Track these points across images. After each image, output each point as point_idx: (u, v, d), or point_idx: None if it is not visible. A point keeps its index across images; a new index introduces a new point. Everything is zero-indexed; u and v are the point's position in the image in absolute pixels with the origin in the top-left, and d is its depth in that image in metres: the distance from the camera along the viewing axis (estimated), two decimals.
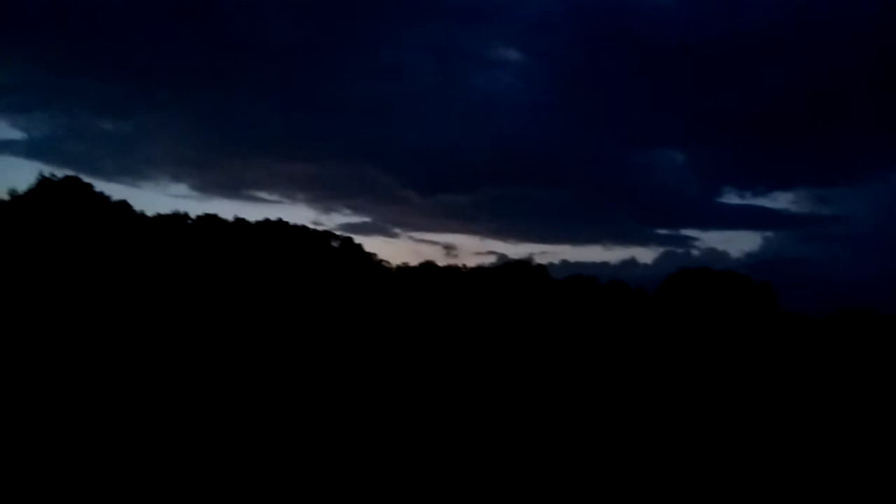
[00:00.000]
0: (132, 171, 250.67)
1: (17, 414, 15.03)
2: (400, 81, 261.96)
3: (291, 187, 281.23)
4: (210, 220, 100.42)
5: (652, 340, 63.49)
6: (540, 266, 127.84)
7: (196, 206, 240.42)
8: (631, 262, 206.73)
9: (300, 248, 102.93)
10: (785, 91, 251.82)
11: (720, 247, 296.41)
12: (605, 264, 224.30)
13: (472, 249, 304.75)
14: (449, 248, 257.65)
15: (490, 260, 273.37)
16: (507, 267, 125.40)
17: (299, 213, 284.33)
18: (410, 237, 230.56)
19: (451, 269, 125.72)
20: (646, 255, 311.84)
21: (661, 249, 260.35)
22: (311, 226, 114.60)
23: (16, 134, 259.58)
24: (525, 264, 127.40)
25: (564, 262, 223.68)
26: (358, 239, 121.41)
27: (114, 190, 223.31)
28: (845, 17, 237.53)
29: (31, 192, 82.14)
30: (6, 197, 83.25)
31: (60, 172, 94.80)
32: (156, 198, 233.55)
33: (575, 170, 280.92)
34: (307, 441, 15.01)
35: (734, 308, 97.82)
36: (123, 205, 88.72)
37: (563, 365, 36.20)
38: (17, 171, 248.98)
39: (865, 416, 24.10)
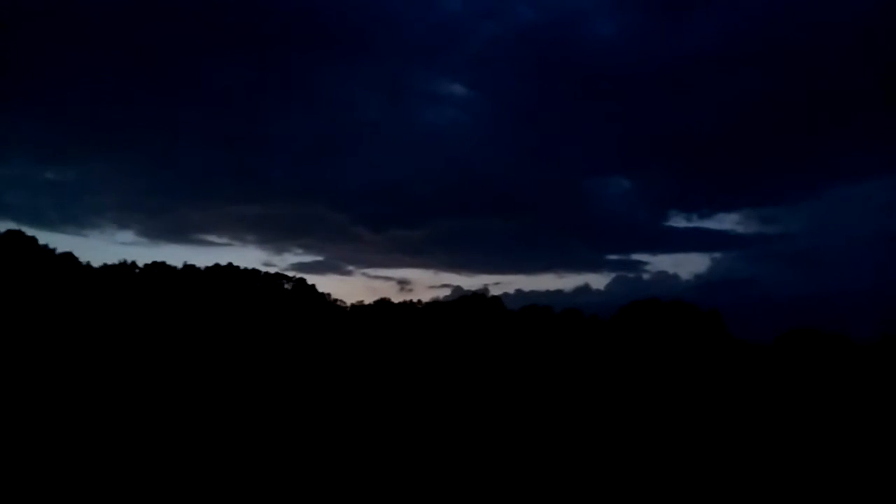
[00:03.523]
0: (77, 220, 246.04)
1: None
2: (346, 119, 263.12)
3: (241, 229, 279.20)
4: (158, 267, 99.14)
5: (607, 368, 64.09)
6: (494, 297, 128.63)
7: (144, 252, 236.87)
8: (584, 289, 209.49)
9: (252, 293, 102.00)
10: (723, 115, 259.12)
11: (670, 270, 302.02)
12: (558, 292, 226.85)
13: (427, 283, 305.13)
14: (403, 284, 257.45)
15: (445, 293, 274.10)
16: (462, 300, 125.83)
17: (250, 255, 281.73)
18: (364, 274, 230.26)
19: (406, 305, 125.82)
20: (599, 280, 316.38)
21: (612, 275, 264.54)
22: (263, 268, 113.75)
23: None
24: (480, 297, 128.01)
25: (519, 292, 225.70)
26: (311, 279, 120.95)
27: (58, 240, 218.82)
28: (778, 43, 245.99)
29: None
30: None
31: (2, 226, 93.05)
32: (102, 246, 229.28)
33: (525, 199, 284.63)
34: (265, 490, 14.87)
35: (685, 337, 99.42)
36: (69, 257, 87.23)
37: (518, 396, 36.37)
38: None
39: (816, 442, 24.75)
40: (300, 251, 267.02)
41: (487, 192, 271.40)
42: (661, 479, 18.43)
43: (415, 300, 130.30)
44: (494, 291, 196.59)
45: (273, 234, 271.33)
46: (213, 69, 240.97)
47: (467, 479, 17.57)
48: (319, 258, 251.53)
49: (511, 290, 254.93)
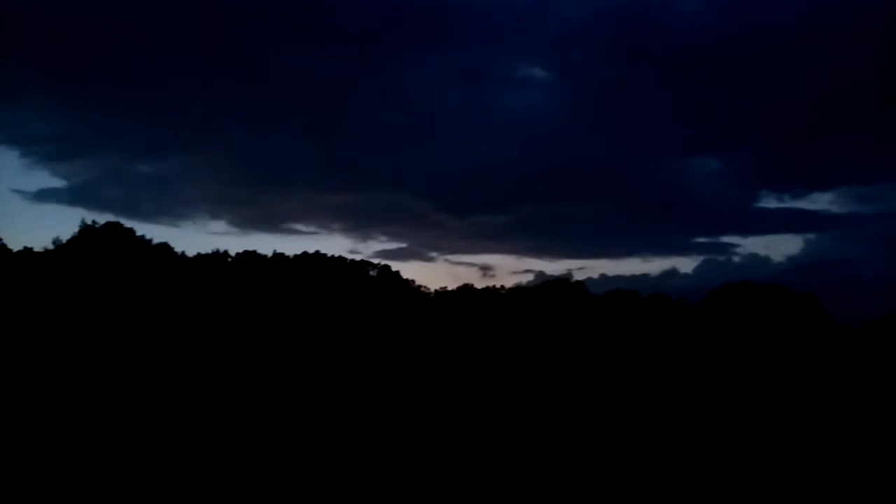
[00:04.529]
0: (171, 212, 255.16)
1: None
2: (428, 106, 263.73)
3: (327, 218, 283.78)
4: (249, 256, 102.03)
5: (697, 354, 62.70)
6: (578, 282, 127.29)
7: (235, 241, 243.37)
8: (671, 273, 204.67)
9: (339, 279, 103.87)
10: (815, 90, 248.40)
11: (762, 252, 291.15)
12: (644, 276, 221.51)
13: (510, 269, 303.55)
14: (486, 269, 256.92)
15: (528, 278, 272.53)
16: (545, 285, 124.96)
17: (336, 243, 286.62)
18: (447, 260, 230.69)
19: (489, 291, 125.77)
20: (686, 264, 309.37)
21: (701, 258, 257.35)
22: (349, 255, 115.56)
23: (57, 182, 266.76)
24: (563, 282, 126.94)
25: (603, 277, 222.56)
26: (395, 265, 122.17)
27: (154, 231, 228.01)
28: (874, 14, 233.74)
29: (74, 241, 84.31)
30: (50, 246, 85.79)
31: (101, 218, 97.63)
32: (196, 236, 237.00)
33: (608, 183, 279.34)
34: (351, 475, 15.13)
35: (779, 322, 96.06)
36: (164, 247, 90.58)
37: (605, 383, 35.95)
38: (60, 218, 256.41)
39: None
40: (384, 238, 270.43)
41: (570, 175, 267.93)
42: (759, 467, 17.92)
43: (497, 286, 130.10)
44: (578, 276, 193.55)
45: (358, 222, 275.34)
46: (299, 62, 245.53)
47: (557, 464, 17.48)
48: (403, 245, 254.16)
49: (595, 275, 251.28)
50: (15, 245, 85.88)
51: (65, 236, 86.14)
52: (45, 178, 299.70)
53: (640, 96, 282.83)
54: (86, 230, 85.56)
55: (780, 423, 25.39)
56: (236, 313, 76.80)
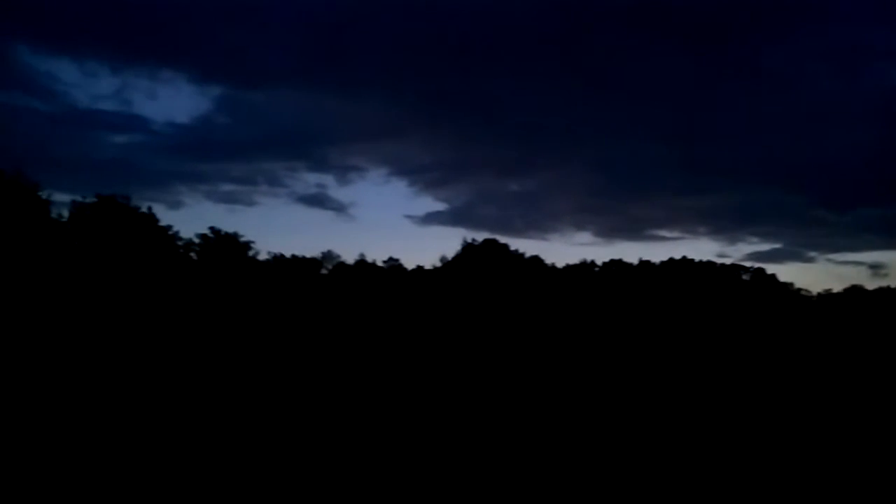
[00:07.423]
0: (539, 226, 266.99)
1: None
2: (796, 94, 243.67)
3: (692, 221, 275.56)
4: (615, 265, 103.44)
5: None
6: None
7: (600, 251, 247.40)
8: None
9: (709, 285, 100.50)
10: None
11: None
12: None
13: None
14: (877, 268, 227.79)
15: None
16: None
17: (702, 248, 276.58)
18: (829, 259, 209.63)
19: (884, 292, 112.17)
20: None
21: None
22: (717, 259, 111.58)
23: (439, 205, 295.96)
24: None
25: None
26: (769, 268, 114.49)
27: (525, 245, 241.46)
28: None
29: (458, 258, 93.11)
30: (438, 263, 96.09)
31: (479, 235, 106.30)
32: (563, 248, 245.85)
33: None
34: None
35: None
36: (536, 260, 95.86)
37: None
38: (444, 238, 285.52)
39: None
40: (755, 240, 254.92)
41: None
42: None
43: (893, 286, 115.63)
44: None
45: (724, 223, 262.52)
46: (650, 64, 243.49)
47: None
48: (777, 246, 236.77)
49: None
50: (409, 264, 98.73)
51: (449, 254, 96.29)
52: (430, 203, 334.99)
53: None
54: (467, 248, 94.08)
55: None
56: (607, 321, 78.05)
